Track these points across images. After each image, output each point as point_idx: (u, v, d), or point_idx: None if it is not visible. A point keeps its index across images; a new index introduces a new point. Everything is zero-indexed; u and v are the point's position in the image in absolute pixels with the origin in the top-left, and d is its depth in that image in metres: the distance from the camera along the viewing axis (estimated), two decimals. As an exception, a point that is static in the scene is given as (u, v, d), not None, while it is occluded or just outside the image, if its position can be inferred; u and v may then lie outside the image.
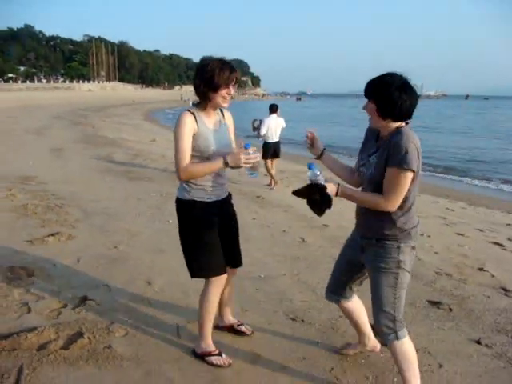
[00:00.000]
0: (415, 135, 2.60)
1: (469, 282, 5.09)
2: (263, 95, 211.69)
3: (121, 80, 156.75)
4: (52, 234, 5.75)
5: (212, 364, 3.20)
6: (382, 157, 2.62)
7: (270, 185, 10.59)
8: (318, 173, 2.63)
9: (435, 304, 4.40)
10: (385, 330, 2.78)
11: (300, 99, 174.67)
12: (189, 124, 2.94)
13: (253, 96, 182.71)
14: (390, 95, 2.55)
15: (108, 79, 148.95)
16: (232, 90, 2.98)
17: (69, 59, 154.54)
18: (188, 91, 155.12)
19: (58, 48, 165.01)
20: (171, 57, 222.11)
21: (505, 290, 4.87)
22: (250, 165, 2.88)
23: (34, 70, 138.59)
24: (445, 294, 4.68)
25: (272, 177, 10.52)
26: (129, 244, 5.64)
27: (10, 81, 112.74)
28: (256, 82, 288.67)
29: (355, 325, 3.32)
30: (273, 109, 10.57)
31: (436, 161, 19.75)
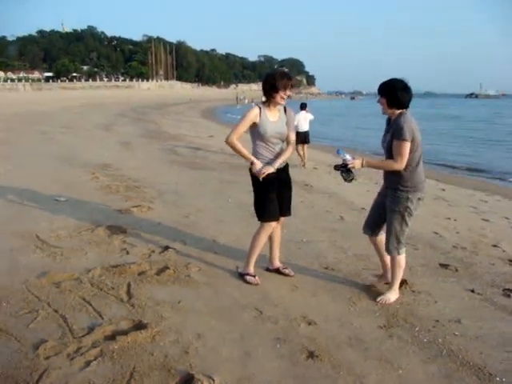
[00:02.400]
0: (412, 118, 4.03)
1: (480, 254, 6.04)
2: (318, 94, 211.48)
3: (178, 79, 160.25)
4: (135, 206, 7.10)
5: (245, 281, 4.56)
6: (390, 133, 4.08)
7: (303, 165, 13.78)
8: (346, 155, 4.19)
9: (445, 266, 5.40)
10: (391, 248, 4.28)
11: (354, 98, 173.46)
12: (253, 115, 4.36)
13: (308, 95, 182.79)
14: (396, 94, 4.01)
15: (166, 78, 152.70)
16: (288, 92, 4.33)
17: (129, 59, 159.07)
18: (244, 90, 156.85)
19: (119, 48, 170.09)
20: (227, 56, 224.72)
21: (511, 261, 5.76)
22: (263, 175, 4.35)
23: (96, 70, 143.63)
24: (455, 260, 5.66)
25: (302, 158, 13.89)
26: (197, 215, 6.90)
27: (74, 80, 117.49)
28: (311, 81, 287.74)
29: (380, 257, 4.66)
30: (302, 107, 14.23)
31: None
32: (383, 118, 4.37)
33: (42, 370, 2.99)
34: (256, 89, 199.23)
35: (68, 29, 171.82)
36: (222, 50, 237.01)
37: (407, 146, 3.94)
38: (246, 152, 4.44)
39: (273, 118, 4.43)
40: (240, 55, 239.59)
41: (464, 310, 4.28)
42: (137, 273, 4.59)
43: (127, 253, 5.13)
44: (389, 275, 4.55)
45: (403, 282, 4.69)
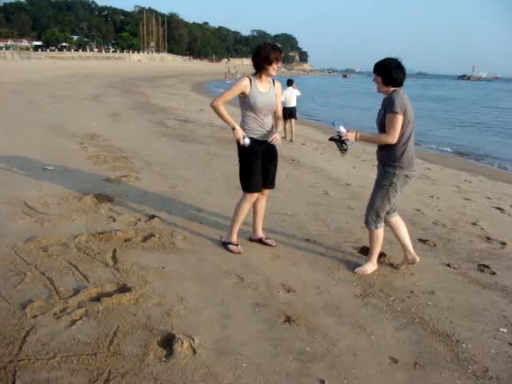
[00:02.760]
0: (405, 95, 4.17)
1: (459, 231, 6.22)
2: (310, 71, 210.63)
3: (170, 51, 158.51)
4: (122, 176, 7.20)
5: (229, 250, 4.70)
6: (383, 108, 4.21)
7: (285, 137, 13.99)
8: (341, 127, 4.31)
9: (423, 241, 5.57)
10: (370, 221, 4.44)
11: (346, 76, 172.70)
12: (242, 84, 4.46)
13: (300, 71, 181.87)
14: (391, 72, 4.13)
15: (157, 50, 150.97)
16: (279, 64, 4.48)
17: (120, 30, 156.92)
18: (236, 64, 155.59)
19: (110, 18, 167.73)
20: (220, 29, 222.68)
21: (488, 238, 5.93)
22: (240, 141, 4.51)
23: (86, 40, 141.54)
24: (434, 236, 5.83)
25: (286, 133, 14.18)
26: (183, 186, 7.01)
27: (64, 49, 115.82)
28: (304, 57, 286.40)
29: (397, 238, 4.69)
30: (289, 83, 14.61)
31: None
32: (372, 97, 4.49)
33: (29, 327, 3.11)
34: (248, 63, 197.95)
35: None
36: (214, 24, 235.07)
37: (399, 118, 4.06)
38: (229, 117, 4.54)
39: (263, 90, 4.53)
40: (233, 29, 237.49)
41: (438, 282, 4.46)
42: (123, 239, 4.71)
43: (114, 220, 5.24)
44: (409, 256, 4.64)
45: (382, 255, 4.86)
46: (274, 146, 4.68)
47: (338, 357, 3.12)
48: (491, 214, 7.51)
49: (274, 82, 4.68)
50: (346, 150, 4.37)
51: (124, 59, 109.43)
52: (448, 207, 7.52)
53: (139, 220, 5.32)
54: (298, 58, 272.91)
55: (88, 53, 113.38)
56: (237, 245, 4.76)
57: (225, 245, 4.79)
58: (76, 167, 7.62)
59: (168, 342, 3.05)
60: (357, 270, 4.49)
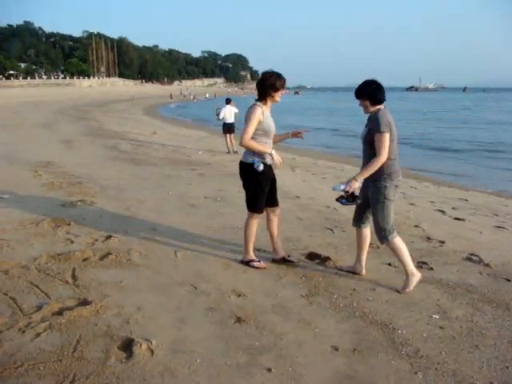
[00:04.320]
0: (387, 112, 4.47)
1: (402, 233, 6.53)
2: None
3: (121, 76, 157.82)
4: (79, 200, 7.42)
5: (254, 267, 4.97)
6: (368, 126, 4.51)
7: (228, 152, 15.80)
8: (341, 186, 4.52)
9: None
10: (381, 238, 4.63)
11: (298, 93, 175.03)
12: (259, 113, 4.72)
13: (252, 91, 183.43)
14: (376, 93, 4.46)
15: (108, 75, 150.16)
16: (284, 91, 4.85)
17: (69, 55, 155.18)
18: (188, 86, 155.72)
19: (58, 44, 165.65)
20: (170, 52, 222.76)
21: (428, 238, 6.36)
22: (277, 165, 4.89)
23: (34, 67, 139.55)
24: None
25: (227, 146, 15.99)
26: (138, 207, 7.27)
27: (12, 77, 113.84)
28: (255, 76, 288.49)
29: (358, 249, 4.98)
30: (227, 101, 16.50)
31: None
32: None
33: (-5, 342, 3.33)
34: (200, 85, 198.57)
35: (2, 24, 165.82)
36: (164, 46, 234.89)
37: (387, 137, 4.33)
38: (262, 147, 4.77)
39: (269, 114, 4.87)
40: (183, 51, 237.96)
41: (379, 280, 4.85)
42: (81, 259, 4.95)
43: (71, 242, 5.46)
44: (358, 267, 4.98)
45: (327, 259, 5.26)
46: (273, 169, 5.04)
47: (284, 349, 3.45)
48: (433, 216, 7.99)
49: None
50: (355, 199, 4.65)
51: (74, 85, 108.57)
52: (393, 212, 7.96)
53: (96, 240, 5.56)
54: (249, 77, 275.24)
55: (37, 80, 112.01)
56: (259, 260, 5.07)
57: (247, 263, 5.04)
58: (31, 194, 7.79)
59: (128, 346, 3.32)
60: (401, 289, 4.60)
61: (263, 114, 4.73)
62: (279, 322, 3.86)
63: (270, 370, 3.16)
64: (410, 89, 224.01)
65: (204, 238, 5.84)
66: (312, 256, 5.40)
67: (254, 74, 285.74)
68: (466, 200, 10.26)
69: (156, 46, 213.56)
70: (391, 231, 4.61)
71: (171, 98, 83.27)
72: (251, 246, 5.11)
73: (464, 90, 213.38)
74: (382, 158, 4.34)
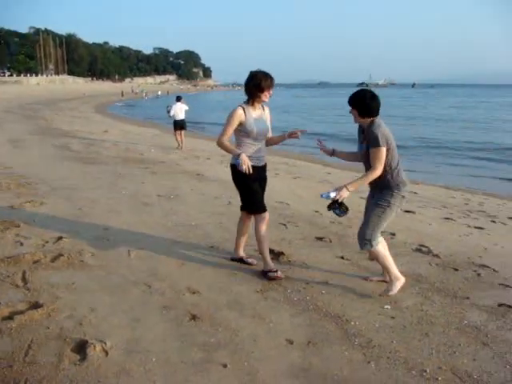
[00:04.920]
0: (382, 123, 4.21)
1: (353, 227, 6.74)
2: (214, 86, 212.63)
3: (70, 73, 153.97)
4: (28, 202, 7.24)
5: (270, 278, 4.68)
6: (365, 143, 4.25)
7: (178, 148, 16.44)
8: (331, 194, 4.20)
9: (320, 238, 6.07)
10: (364, 241, 4.36)
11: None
12: (238, 114, 4.58)
13: (204, 87, 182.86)
14: (365, 104, 4.20)
15: (57, 72, 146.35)
16: (271, 91, 4.63)
17: (15, 52, 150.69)
18: (140, 83, 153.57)
19: (3, 41, 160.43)
20: (121, 49, 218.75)
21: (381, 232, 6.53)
22: (245, 169, 4.47)
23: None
24: (331, 233, 6.35)
25: (179, 143, 16.66)
26: (90, 207, 7.15)
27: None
28: (207, 73, 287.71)
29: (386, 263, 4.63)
30: (178, 99, 17.05)
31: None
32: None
33: None
34: (152, 82, 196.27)
35: None
36: (115, 43, 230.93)
37: (383, 152, 4.11)
38: (233, 147, 4.64)
39: (256, 116, 4.70)
40: (134, 48, 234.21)
41: (332, 273, 4.94)
42: (31, 261, 4.84)
43: (21, 244, 5.33)
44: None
45: (281, 254, 5.32)
46: (265, 170, 4.94)
47: (239, 344, 3.48)
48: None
49: (263, 107, 4.86)
50: (347, 209, 4.36)
51: (22, 83, 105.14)
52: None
53: (47, 242, 5.44)
54: (201, 74, 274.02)
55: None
56: (276, 271, 4.76)
57: (265, 274, 4.76)
58: (-23, 197, 7.56)
59: (81, 348, 3.28)
60: (380, 293, 4.46)
61: (246, 114, 4.60)
62: (234, 317, 3.88)
63: (225, 365, 3.19)
64: (361, 85, 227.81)
65: (158, 237, 5.81)
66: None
67: (206, 70, 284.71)
68: (416, 193, 10.53)
69: (106, 43, 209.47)
70: (375, 239, 4.36)
71: (122, 95, 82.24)
72: (267, 255, 4.85)
73: (413, 85, 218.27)
74: (377, 171, 4.15)
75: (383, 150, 4.11)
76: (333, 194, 4.20)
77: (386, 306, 4.20)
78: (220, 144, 4.67)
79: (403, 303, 4.27)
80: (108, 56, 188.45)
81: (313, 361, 3.31)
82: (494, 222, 8.17)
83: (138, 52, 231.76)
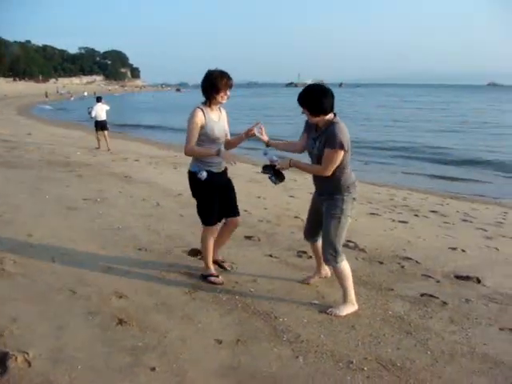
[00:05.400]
0: (343, 124, 3.90)
1: (282, 225, 6.88)
2: (142, 87, 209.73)
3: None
4: None
5: (211, 282, 4.60)
6: (322, 141, 3.90)
7: (97, 148, 16.44)
8: (274, 156, 4.05)
9: (249, 237, 6.11)
10: (329, 257, 4.09)
11: (179, 90, 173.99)
12: (198, 118, 4.28)
13: (133, 88, 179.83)
14: (316, 101, 3.86)
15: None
16: (228, 92, 4.34)
17: None
18: (65, 84, 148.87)
19: None
20: (45, 48, 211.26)
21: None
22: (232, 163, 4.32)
23: None
24: (259, 232, 6.41)
25: (99, 143, 16.67)
26: (13, 213, 6.87)
27: None
28: (135, 73, 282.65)
29: (317, 259, 4.68)
30: (98, 99, 17.12)
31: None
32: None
33: None
34: (78, 83, 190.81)
35: None
36: (38, 42, 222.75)
37: (340, 154, 3.85)
38: (207, 149, 4.36)
39: (215, 118, 4.43)
40: (59, 47, 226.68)
41: (261, 271, 4.99)
42: None
43: None
44: (322, 271, 4.78)
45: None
46: (226, 174, 4.70)
47: (167, 346, 3.45)
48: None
49: (220, 109, 4.57)
50: (282, 179, 4.18)
51: None
52: (273, 205, 8.24)
53: (-36, 250, 5.20)
54: (129, 74, 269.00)
55: None
56: (217, 276, 4.69)
57: (205, 278, 4.68)
58: None
59: (1, 360, 3.15)
60: (329, 310, 4.15)
61: (205, 117, 4.32)
62: (162, 320, 3.86)
63: (153, 368, 3.16)
64: (290, 85, 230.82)
65: (83, 242, 5.67)
66: (194, 252, 5.43)
67: (134, 70, 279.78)
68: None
69: (28, 41, 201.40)
70: (340, 253, 4.11)
71: (47, 96, 79.36)
72: (210, 260, 4.72)
73: (340, 85, 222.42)
74: (326, 172, 3.92)
75: (341, 152, 3.85)
76: (275, 158, 4.08)
77: (313, 302, 4.30)
78: (190, 152, 4.35)
79: (330, 298, 4.38)
80: (31, 55, 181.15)
81: (242, 359, 3.34)
82: (417, 215, 8.51)
83: (62, 51, 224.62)
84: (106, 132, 16.70)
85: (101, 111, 16.64)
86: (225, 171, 4.68)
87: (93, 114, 16.58)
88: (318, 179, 4.18)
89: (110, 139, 16.75)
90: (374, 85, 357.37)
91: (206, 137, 4.36)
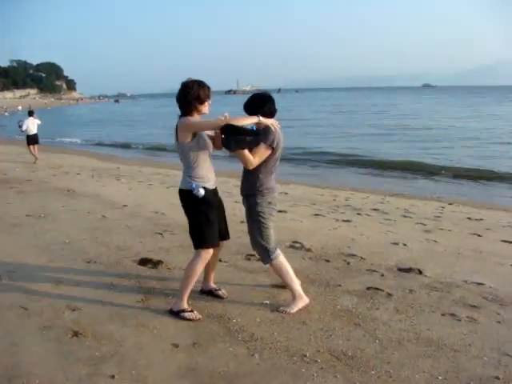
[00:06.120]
0: (279, 130, 4.08)
1: (230, 229, 6.95)
2: (79, 99, 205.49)
3: None
4: None
5: (184, 318, 4.07)
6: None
7: (35, 162, 16.53)
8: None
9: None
10: (261, 257, 4.27)
11: (118, 101, 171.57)
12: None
13: (69, 101, 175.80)
14: (265, 108, 4.07)
15: None
16: (210, 101, 4.06)
17: None
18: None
19: None
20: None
21: None
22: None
23: None
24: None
25: (35, 156, 16.81)
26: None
27: None
28: (71, 85, 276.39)
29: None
30: (30, 113, 17.47)
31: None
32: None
33: None
34: (11, 97, 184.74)
35: None
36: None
37: (268, 152, 4.01)
38: (213, 120, 3.99)
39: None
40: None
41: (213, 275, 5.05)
42: None
43: None
44: (208, 284, 4.65)
45: (159, 262, 5.36)
46: (216, 193, 4.33)
47: (125, 354, 3.48)
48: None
49: None
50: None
51: None
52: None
53: None
54: (65, 86, 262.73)
55: None
56: (191, 310, 4.18)
57: (177, 313, 4.16)
58: None
59: (-46, 383, 3.11)
60: (281, 309, 4.24)
61: None
62: (117, 329, 3.87)
63: (113, 376, 3.19)
64: (229, 92, 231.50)
65: (30, 258, 5.58)
66: (144, 261, 5.46)
67: (69, 82, 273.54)
68: (287, 193, 11.00)
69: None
70: (273, 251, 4.21)
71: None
72: (187, 293, 4.20)
73: (278, 91, 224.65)
74: (251, 162, 4.00)
75: (269, 150, 4.01)
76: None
77: (265, 301, 4.42)
78: (212, 124, 4.00)
79: (280, 296, 4.52)
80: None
81: (199, 360, 3.41)
82: (359, 214, 8.80)
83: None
84: (36, 146, 17.07)
85: (32, 125, 16.90)
86: (216, 189, 4.33)
87: (23, 128, 16.77)
88: (243, 179, 4.28)
89: (38, 152, 17.17)
90: (314, 89, 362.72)
91: (199, 148, 4.04)
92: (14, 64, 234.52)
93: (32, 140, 16.91)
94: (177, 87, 4.07)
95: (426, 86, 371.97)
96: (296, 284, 4.32)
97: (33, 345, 3.62)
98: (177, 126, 4.04)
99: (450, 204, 10.75)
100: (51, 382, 3.13)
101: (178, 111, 4.07)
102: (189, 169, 4.07)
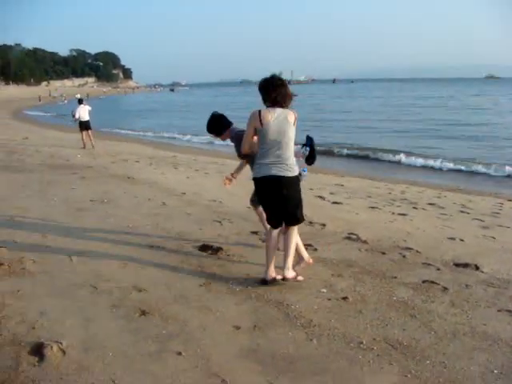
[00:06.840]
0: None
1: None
2: (135, 88, 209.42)
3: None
4: (-44, 214, 7.07)
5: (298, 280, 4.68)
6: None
7: (87, 148, 17.50)
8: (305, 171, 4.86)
9: (255, 232, 6.32)
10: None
11: (173, 90, 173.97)
12: None
13: (125, 89, 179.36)
14: (215, 127, 5.04)
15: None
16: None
17: None
18: (57, 86, 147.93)
19: None
20: (35, 51, 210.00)
21: (311, 222, 6.77)
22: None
23: None
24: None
25: (84, 143, 17.75)
26: (23, 216, 7.07)
27: None
28: (127, 74, 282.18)
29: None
30: (80, 101, 18.36)
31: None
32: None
33: None
34: (70, 85, 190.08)
35: None
36: (28, 45, 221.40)
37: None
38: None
39: None
40: (50, 50, 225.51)
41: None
42: (-30, 272, 4.81)
43: (-42, 256, 5.27)
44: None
45: (219, 249, 5.54)
46: None
47: (189, 334, 3.68)
48: (313, 202, 8.54)
49: None
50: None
51: None
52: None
53: (-16, 252, 5.40)
54: (121, 75, 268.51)
55: None
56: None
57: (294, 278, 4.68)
58: None
59: (38, 350, 3.36)
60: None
61: None
62: (182, 310, 4.08)
63: (180, 353, 3.38)
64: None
65: (96, 241, 5.88)
66: (204, 248, 5.65)
67: (126, 71, 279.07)
68: (342, 185, 11.06)
69: (18, 45, 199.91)
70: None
71: (40, 100, 79.47)
72: (271, 262, 4.64)
73: (333, 81, 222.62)
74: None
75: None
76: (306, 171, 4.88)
77: (322, 290, 4.53)
78: None
79: (338, 286, 4.62)
80: (21, 58, 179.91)
81: (260, 342, 3.57)
82: (415, 208, 8.77)
83: (53, 54, 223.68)
84: (90, 131, 17.88)
85: (83, 112, 17.70)
86: None
87: (77, 116, 17.67)
88: None
89: (93, 138, 18.06)
90: (367, 80, 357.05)
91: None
92: (74, 53, 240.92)
93: (84, 126, 17.71)
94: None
95: (489, 78, 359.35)
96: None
97: (104, 321, 3.86)
98: (286, 116, 4.44)
99: (510, 200, 10.53)
100: (123, 356, 3.35)
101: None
102: (291, 157, 4.51)
